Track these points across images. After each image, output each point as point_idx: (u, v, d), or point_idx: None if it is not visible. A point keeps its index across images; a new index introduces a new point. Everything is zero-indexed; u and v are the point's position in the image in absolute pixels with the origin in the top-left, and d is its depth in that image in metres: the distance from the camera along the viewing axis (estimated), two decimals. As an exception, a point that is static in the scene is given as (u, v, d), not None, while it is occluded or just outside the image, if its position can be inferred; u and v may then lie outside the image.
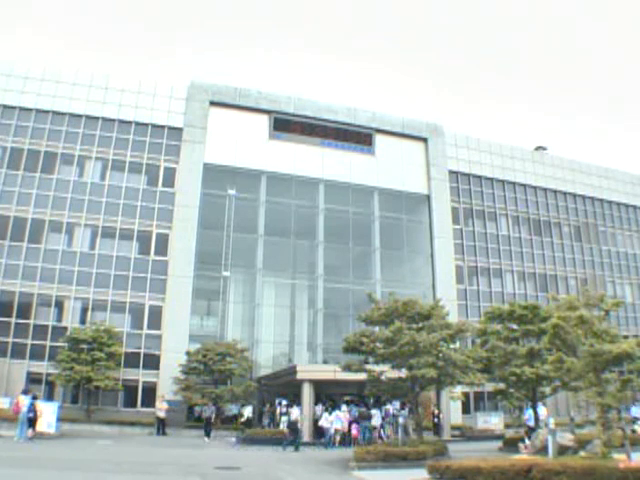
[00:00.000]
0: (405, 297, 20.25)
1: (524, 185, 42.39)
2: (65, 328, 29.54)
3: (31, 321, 29.56)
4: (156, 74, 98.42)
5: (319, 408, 25.32)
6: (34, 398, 20.90)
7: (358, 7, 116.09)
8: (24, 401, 20.43)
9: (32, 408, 20.07)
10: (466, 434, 27.69)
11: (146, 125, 34.39)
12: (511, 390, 20.32)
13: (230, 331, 33.92)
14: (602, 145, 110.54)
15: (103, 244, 31.83)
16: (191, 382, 28.50)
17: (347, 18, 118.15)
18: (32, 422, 20.08)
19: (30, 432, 19.86)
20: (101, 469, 13.58)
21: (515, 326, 20.27)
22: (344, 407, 24.56)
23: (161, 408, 25.95)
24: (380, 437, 24.11)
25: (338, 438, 23.25)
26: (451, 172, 40.07)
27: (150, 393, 29.66)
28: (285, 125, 36.89)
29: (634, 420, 19.65)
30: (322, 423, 23.31)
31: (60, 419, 22.66)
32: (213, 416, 25.54)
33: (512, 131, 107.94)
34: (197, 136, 34.70)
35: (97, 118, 33.66)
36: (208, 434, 24.76)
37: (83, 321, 30.09)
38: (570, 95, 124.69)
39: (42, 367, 28.82)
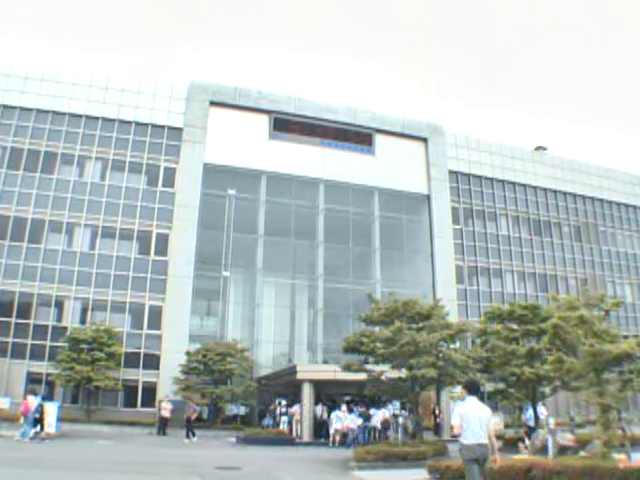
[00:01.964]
0: (405, 297, 20.25)
1: (524, 185, 42.39)
2: (65, 328, 29.55)
3: (31, 321, 29.57)
4: (156, 74, 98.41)
5: (319, 408, 25.32)
6: (43, 399, 21.07)
7: (358, 7, 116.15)
8: (33, 402, 20.55)
9: (39, 409, 20.19)
10: (466, 434, 27.61)
11: (146, 125, 34.40)
12: (511, 390, 20.31)
13: (230, 331, 33.92)
14: (602, 145, 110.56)
15: (103, 244, 31.84)
16: (191, 382, 28.49)
17: (347, 18, 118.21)
18: (39, 422, 20.21)
19: (32, 432, 19.96)
20: (101, 469, 13.58)
21: (515, 326, 20.26)
22: (344, 407, 24.55)
23: (165, 408, 25.91)
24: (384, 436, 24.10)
25: (338, 438, 23.24)
26: (451, 172, 40.07)
27: (150, 393, 29.67)
28: (285, 125, 36.90)
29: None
30: (349, 424, 23.21)
31: (60, 419, 22.63)
32: (195, 416, 24.55)
33: (512, 131, 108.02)
34: (197, 136, 34.71)
35: (97, 118, 33.68)
36: (189, 434, 23.59)
37: (83, 321, 30.11)
38: (570, 95, 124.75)
39: (42, 367, 28.83)
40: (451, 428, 9.27)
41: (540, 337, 18.77)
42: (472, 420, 7.63)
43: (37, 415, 20.11)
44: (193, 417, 24.37)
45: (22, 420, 20.22)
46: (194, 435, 23.72)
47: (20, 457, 15.12)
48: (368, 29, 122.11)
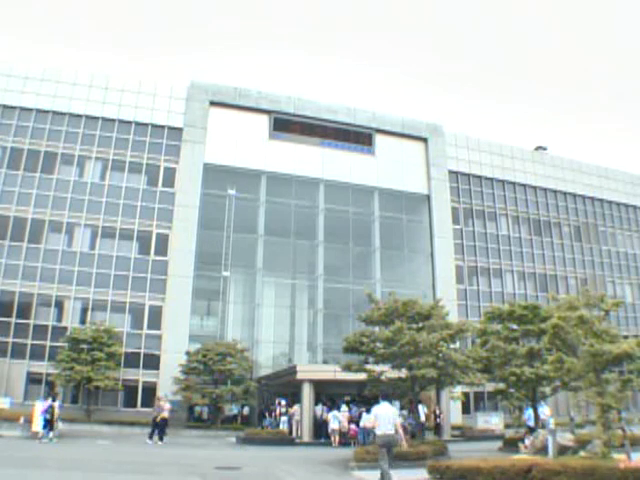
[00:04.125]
0: (405, 297, 20.22)
1: (524, 185, 42.40)
2: (65, 328, 29.55)
3: (31, 321, 29.57)
4: (156, 74, 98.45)
5: (319, 408, 25.30)
6: (53, 400, 21.24)
7: (358, 7, 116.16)
8: (54, 405, 20.80)
9: (49, 410, 20.27)
10: (466, 434, 27.66)
11: (146, 125, 34.40)
12: (511, 390, 20.27)
13: (230, 331, 33.93)
14: (602, 145, 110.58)
15: (103, 244, 31.84)
16: (191, 382, 28.48)
17: (348, 18, 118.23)
18: (49, 423, 20.26)
19: (41, 432, 20.08)
20: (101, 469, 13.58)
21: (515, 326, 20.23)
22: (344, 407, 24.53)
23: (166, 408, 25.80)
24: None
25: (338, 438, 23.22)
26: (451, 172, 40.07)
27: (150, 393, 29.65)
28: (285, 125, 36.90)
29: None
30: (364, 424, 23.13)
31: (60, 419, 22.68)
32: (164, 416, 22.66)
33: (512, 131, 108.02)
34: (197, 136, 34.71)
35: (97, 118, 33.68)
36: (151, 436, 21.71)
37: (83, 321, 30.10)
38: (570, 95, 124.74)
39: (42, 367, 28.83)
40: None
41: (540, 337, 18.74)
42: (383, 418, 11.17)
43: (48, 416, 20.20)
44: (162, 417, 23.26)
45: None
46: (156, 438, 21.72)
47: (20, 457, 15.13)
48: (368, 29, 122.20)
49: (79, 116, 33.44)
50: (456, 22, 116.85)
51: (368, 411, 23.73)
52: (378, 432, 11.16)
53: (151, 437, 21.88)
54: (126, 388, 29.42)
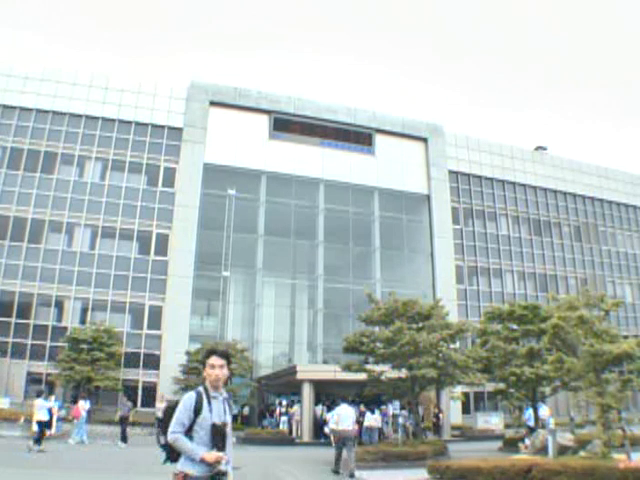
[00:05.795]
0: (405, 297, 20.24)
1: (524, 185, 42.39)
2: (65, 328, 29.54)
3: (31, 321, 29.56)
4: (156, 74, 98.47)
5: (319, 408, 25.30)
6: (85, 400, 21.57)
7: (358, 7, 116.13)
8: (85, 406, 20.85)
9: (49, 410, 20.27)
10: (466, 434, 27.67)
11: (146, 125, 34.39)
12: (511, 390, 20.29)
13: (230, 331, 33.91)
14: (602, 145, 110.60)
15: (103, 244, 31.84)
16: (191, 382, 28.40)
17: (347, 18, 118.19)
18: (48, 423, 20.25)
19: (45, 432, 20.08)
20: (101, 469, 13.58)
21: (515, 326, 20.25)
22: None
23: (160, 408, 25.82)
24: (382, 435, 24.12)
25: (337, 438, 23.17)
26: (451, 172, 40.06)
27: (150, 393, 29.67)
28: (285, 125, 36.89)
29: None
30: (370, 423, 23.07)
31: (60, 419, 22.69)
32: (130, 415, 22.14)
33: (512, 131, 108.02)
34: (197, 136, 34.70)
35: (97, 118, 33.66)
36: (124, 438, 20.23)
37: (83, 321, 30.09)
38: (570, 95, 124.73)
39: (42, 367, 28.83)
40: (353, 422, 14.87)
41: (540, 337, 18.75)
42: (344, 417, 14.04)
43: (48, 418, 20.15)
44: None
45: (74, 424, 20.74)
46: (125, 440, 20.33)
47: (20, 457, 15.12)
48: (368, 29, 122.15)
49: (79, 116, 33.44)
50: (456, 22, 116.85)
51: (372, 411, 23.84)
52: (339, 427, 13.95)
53: (123, 439, 20.28)
54: (126, 388, 29.38)
